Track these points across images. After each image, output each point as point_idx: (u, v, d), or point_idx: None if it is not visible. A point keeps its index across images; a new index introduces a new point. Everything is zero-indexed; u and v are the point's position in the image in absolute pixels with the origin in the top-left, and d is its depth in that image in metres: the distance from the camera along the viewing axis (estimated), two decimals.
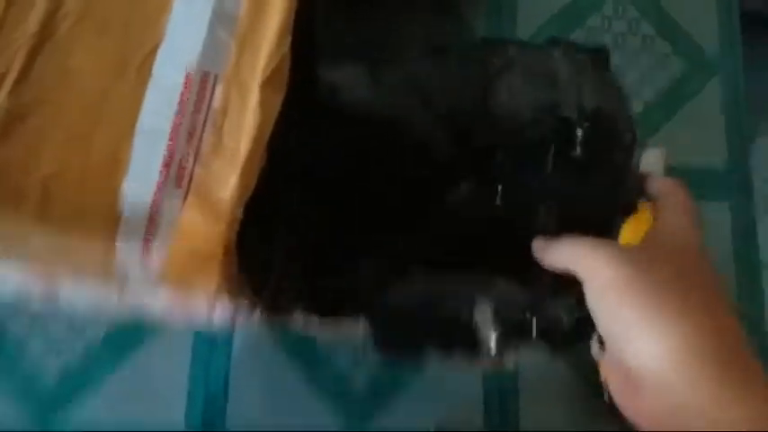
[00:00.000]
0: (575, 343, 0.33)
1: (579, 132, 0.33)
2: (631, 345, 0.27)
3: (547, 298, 0.33)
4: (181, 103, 0.32)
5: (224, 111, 0.32)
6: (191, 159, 0.31)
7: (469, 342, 0.33)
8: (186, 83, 0.32)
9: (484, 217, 0.33)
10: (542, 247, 0.32)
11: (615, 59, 0.40)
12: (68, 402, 0.48)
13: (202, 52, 0.32)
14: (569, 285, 0.32)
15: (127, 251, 0.30)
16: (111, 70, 0.32)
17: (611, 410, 0.50)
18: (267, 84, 0.31)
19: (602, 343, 0.32)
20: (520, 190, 0.33)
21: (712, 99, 0.59)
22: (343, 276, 0.34)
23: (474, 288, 0.33)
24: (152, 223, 0.30)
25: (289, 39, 0.33)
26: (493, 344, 0.32)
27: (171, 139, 0.31)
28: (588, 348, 0.51)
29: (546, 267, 0.32)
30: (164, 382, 0.49)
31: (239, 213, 0.30)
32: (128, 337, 0.50)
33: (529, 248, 0.32)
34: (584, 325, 0.32)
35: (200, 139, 0.31)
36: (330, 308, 0.35)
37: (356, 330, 0.37)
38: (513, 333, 0.33)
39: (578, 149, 0.33)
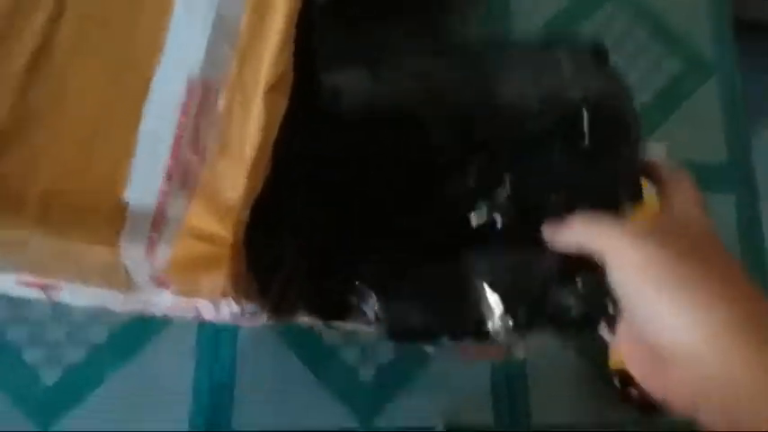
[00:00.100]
0: (584, 329, 0.33)
1: (585, 121, 0.33)
2: (658, 321, 0.27)
3: (556, 284, 0.32)
4: (184, 108, 0.31)
5: (228, 116, 0.31)
6: (196, 161, 0.31)
7: (479, 328, 0.33)
8: (189, 89, 0.32)
9: (492, 208, 0.33)
10: (554, 229, 0.32)
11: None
12: (70, 405, 0.48)
13: (204, 59, 0.32)
14: (578, 270, 0.32)
15: (131, 252, 0.29)
16: (112, 78, 0.32)
17: (623, 397, 0.51)
18: (272, 89, 0.31)
19: (611, 326, 0.32)
20: (527, 180, 0.33)
21: (708, 99, 0.61)
22: (349, 278, 0.34)
23: (483, 276, 0.33)
24: (157, 224, 0.30)
25: (291, 44, 0.32)
26: (502, 330, 0.32)
27: (175, 143, 0.31)
28: (595, 337, 0.52)
29: (557, 250, 0.32)
30: (167, 383, 0.49)
31: (246, 214, 0.29)
32: (131, 338, 0.50)
33: (538, 236, 0.32)
34: (593, 310, 0.32)
35: (205, 143, 0.31)
36: (335, 311, 0.35)
37: (362, 329, 0.37)
38: (522, 319, 0.32)
39: (585, 138, 0.33)
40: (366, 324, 0.35)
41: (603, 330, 0.33)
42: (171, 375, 0.49)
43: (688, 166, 0.33)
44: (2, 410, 0.47)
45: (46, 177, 0.30)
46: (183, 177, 0.31)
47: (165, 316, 0.40)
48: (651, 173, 0.34)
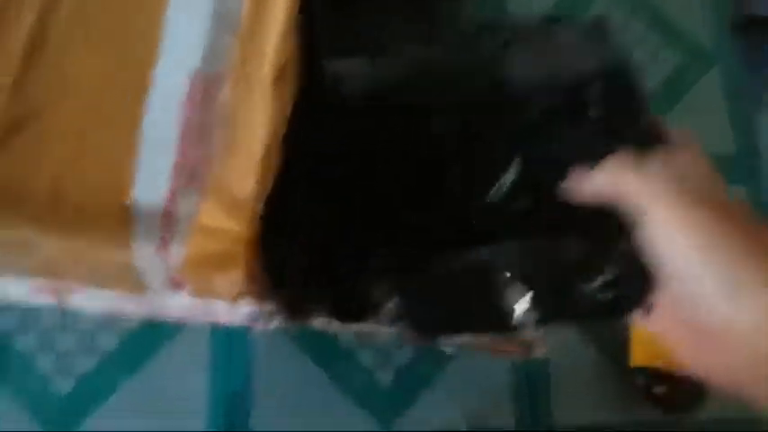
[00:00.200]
0: (609, 319, 0.32)
1: (598, 91, 0.33)
2: (709, 297, 0.26)
3: (581, 268, 0.32)
4: (187, 101, 0.31)
5: (234, 109, 0.31)
6: (203, 157, 0.30)
7: (503, 319, 0.32)
8: (191, 83, 0.31)
9: (505, 191, 0.33)
10: (581, 176, 0.30)
11: None
12: (86, 413, 0.47)
13: (205, 51, 0.32)
14: (605, 248, 0.30)
15: (143, 252, 0.29)
16: (111, 73, 0.32)
17: (647, 396, 0.50)
18: (277, 78, 0.31)
19: (645, 305, 0.30)
20: (541, 159, 0.33)
21: (711, 89, 0.61)
22: (368, 277, 0.33)
23: (505, 265, 0.32)
24: (168, 223, 0.29)
25: (293, 33, 0.32)
26: (528, 320, 0.32)
27: (181, 140, 0.30)
28: (618, 333, 0.51)
29: (582, 200, 0.30)
30: (181, 390, 0.48)
31: (260, 208, 0.29)
32: (143, 345, 0.49)
33: (557, 218, 0.31)
34: (624, 291, 0.31)
35: (212, 137, 0.30)
36: (354, 311, 0.35)
37: (380, 330, 0.36)
38: (548, 307, 0.32)
39: (597, 109, 0.33)
40: (386, 323, 0.34)
41: (635, 313, 0.32)
42: (185, 382, 0.48)
43: None
44: (17, 419, 0.47)
45: (47, 176, 0.29)
46: (191, 173, 0.30)
47: (177, 321, 0.39)
48: (660, 134, 0.32)
